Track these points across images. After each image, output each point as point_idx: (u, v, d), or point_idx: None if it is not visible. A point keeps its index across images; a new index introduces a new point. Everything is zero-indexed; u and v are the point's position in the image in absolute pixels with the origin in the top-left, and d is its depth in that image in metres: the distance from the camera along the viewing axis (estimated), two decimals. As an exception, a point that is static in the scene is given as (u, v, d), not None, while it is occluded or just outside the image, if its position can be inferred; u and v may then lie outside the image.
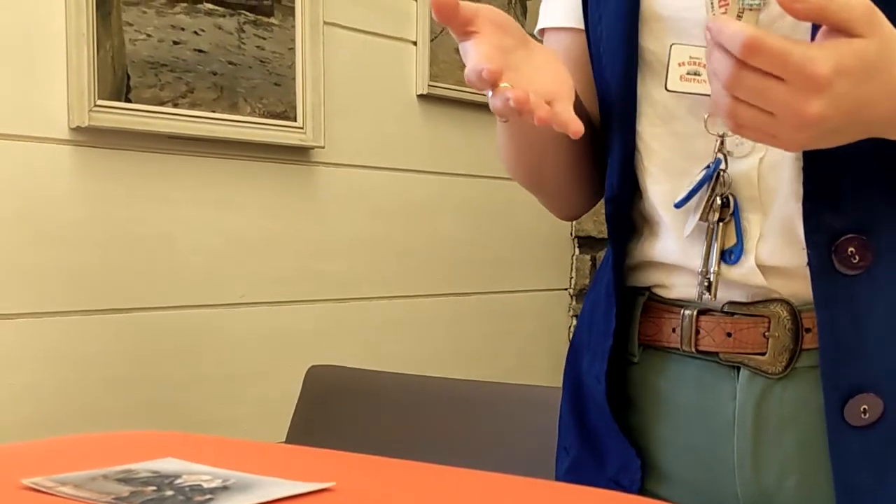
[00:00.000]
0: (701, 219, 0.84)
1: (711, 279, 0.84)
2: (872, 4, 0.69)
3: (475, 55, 0.77)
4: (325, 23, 1.97)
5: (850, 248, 0.80)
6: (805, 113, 0.68)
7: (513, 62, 0.78)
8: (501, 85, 0.75)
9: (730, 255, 0.84)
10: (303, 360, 1.83)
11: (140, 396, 1.74)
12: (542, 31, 1.02)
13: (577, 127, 0.76)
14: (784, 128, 0.70)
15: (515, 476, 0.79)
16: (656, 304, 0.90)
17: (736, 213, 0.83)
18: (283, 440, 1.73)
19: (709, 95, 0.75)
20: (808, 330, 0.83)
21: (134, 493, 0.70)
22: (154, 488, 0.71)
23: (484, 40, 0.78)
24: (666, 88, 0.82)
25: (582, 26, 0.95)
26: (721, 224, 0.83)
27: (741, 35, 0.66)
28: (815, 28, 0.77)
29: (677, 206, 0.85)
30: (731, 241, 0.84)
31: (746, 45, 0.66)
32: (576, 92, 0.90)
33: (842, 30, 0.68)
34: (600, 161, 0.98)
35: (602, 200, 1.05)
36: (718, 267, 0.84)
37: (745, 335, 0.84)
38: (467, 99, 2.27)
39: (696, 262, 0.86)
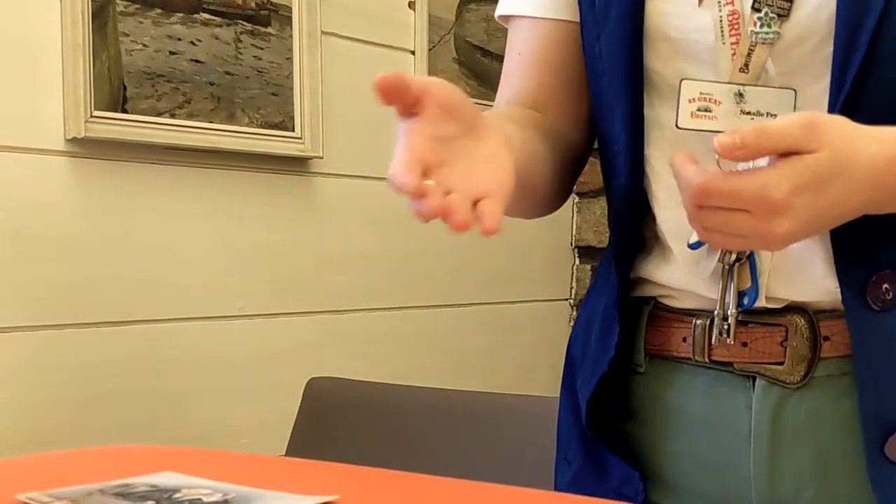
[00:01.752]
0: (718, 261, 0.82)
1: (730, 322, 0.82)
2: (812, 114, 0.70)
3: (403, 150, 0.67)
4: (322, 32, 1.96)
5: (885, 285, 0.79)
6: (772, 234, 0.70)
7: (449, 155, 0.69)
8: (424, 182, 0.66)
9: (744, 298, 0.82)
10: (302, 372, 1.82)
11: (136, 410, 1.72)
12: (507, 17, 0.96)
13: (490, 224, 0.66)
14: (758, 244, 0.74)
15: (519, 487, 0.77)
16: (664, 314, 0.88)
17: (751, 254, 0.82)
18: (283, 454, 1.71)
19: (720, 132, 0.73)
20: (826, 338, 0.81)
21: (131, 508, 0.68)
22: (153, 503, 0.69)
23: (420, 129, 0.68)
24: (676, 126, 0.80)
25: (560, 17, 0.91)
26: (737, 265, 0.82)
27: (693, 183, 0.70)
28: (836, 61, 0.76)
29: (692, 247, 0.83)
30: (746, 283, 0.82)
31: (697, 193, 0.70)
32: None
33: (790, 153, 0.69)
34: (570, 165, 0.95)
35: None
36: (737, 310, 0.82)
37: (762, 344, 0.82)
38: (466, 109, 2.26)
39: (706, 291, 0.84)
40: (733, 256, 0.82)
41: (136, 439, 1.67)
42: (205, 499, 0.70)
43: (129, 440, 1.65)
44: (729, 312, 0.82)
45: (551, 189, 0.93)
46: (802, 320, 0.81)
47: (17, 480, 0.77)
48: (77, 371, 1.65)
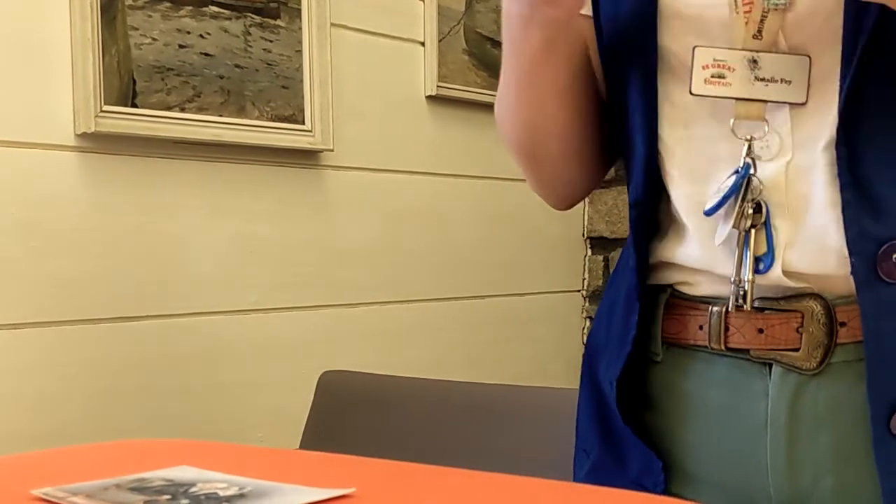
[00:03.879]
0: (733, 226, 0.81)
1: (746, 288, 0.81)
2: None
3: None
4: (331, 24, 1.95)
5: (895, 255, 0.77)
6: None
7: None
8: None
9: (759, 264, 0.81)
10: (315, 365, 1.81)
11: (150, 405, 1.72)
12: None
13: None
14: None
15: (537, 479, 0.77)
16: (680, 302, 0.87)
17: (767, 220, 0.81)
18: (297, 447, 1.71)
19: (734, 98, 0.72)
20: (842, 324, 0.80)
21: (148, 503, 0.68)
22: (169, 497, 0.69)
23: None
24: (690, 92, 0.80)
25: (583, 12, 0.92)
26: (753, 231, 0.81)
27: None
28: (846, 30, 0.75)
29: (708, 213, 0.82)
30: (762, 249, 0.81)
31: None
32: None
33: None
34: (601, 144, 0.95)
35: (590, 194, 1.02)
36: (752, 275, 0.81)
37: (778, 331, 0.81)
38: (476, 100, 2.25)
39: (721, 268, 0.83)
40: (749, 222, 0.80)
41: (151, 434, 1.67)
42: (221, 492, 0.70)
43: (143, 435, 1.65)
44: (745, 278, 0.81)
45: (588, 134, 0.94)
46: (819, 306, 0.80)
47: (31, 476, 0.77)
48: (90, 366, 1.65)
